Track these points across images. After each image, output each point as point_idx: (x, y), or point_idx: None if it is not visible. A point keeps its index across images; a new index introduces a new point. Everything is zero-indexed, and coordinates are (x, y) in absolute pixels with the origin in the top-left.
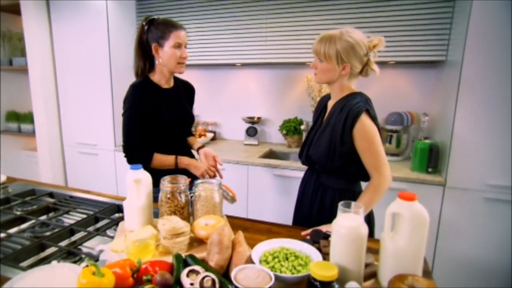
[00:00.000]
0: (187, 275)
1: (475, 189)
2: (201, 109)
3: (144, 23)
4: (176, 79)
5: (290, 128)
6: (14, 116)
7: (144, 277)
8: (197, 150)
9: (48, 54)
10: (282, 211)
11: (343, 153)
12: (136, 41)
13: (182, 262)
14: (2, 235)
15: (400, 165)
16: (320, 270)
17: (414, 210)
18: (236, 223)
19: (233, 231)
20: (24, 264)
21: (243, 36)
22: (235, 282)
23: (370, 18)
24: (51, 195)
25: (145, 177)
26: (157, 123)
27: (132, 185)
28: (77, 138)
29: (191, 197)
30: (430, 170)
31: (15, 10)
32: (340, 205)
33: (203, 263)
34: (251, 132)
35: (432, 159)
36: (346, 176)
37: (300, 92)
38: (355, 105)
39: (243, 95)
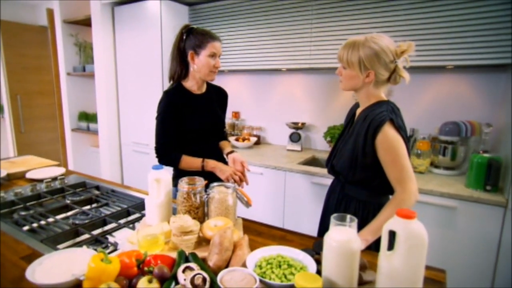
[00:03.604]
0: (183, 271)
1: None
2: (247, 113)
3: (183, 31)
4: (209, 85)
5: (334, 135)
6: (84, 116)
7: (146, 269)
8: (227, 155)
9: (111, 61)
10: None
11: (366, 165)
12: (175, 47)
13: (184, 258)
14: (51, 219)
15: (454, 180)
16: (304, 281)
17: (411, 229)
18: (252, 227)
19: (247, 235)
20: (60, 246)
21: (288, 41)
22: (219, 283)
23: (427, 18)
24: (97, 188)
25: (165, 176)
26: (188, 127)
27: (153, 184)
28: (132, 138)
29: (206, 198)
30: (488, 188)
31: (90, 24)
32: (333, 218)
33: (202, 262)
34: (295, 137)
35: (491, 176)
36: (370, 188)
37: (346, 98)
38: (378, 115)
39: (288, 100)
